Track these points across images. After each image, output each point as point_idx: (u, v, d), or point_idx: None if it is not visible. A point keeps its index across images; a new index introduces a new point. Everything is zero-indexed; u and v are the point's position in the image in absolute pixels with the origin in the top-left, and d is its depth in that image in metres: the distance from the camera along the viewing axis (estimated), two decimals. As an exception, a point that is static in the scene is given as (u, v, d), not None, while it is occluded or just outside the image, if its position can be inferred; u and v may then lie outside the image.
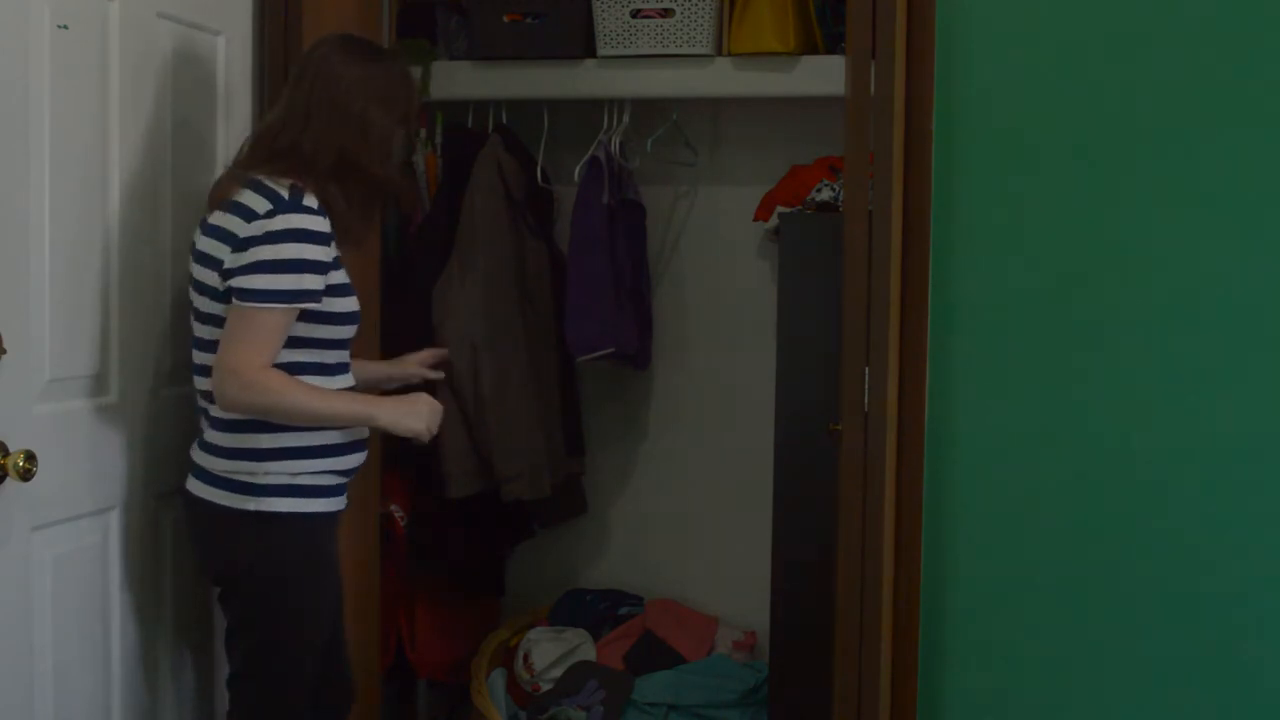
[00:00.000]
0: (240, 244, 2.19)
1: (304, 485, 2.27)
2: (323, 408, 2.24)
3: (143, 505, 2.41)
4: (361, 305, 2.36)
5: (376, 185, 2.31)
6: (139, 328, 2.37)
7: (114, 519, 2.34)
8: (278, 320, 2.17)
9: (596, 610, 3.49)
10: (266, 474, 2.24)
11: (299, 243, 2.17)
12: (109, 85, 2.27)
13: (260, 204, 2.19)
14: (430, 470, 3.15)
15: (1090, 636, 2.50)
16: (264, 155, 2.27)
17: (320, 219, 2.20)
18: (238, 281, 2.17)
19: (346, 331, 2.32)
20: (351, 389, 2.36)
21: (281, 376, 2.19)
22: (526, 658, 3.30)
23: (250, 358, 2.16)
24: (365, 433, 2.36)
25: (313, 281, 2.19)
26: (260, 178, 2.23)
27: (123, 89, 2.30)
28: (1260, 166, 2.35)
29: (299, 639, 2.36)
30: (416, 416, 2.32)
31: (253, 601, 2.32)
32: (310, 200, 2.21)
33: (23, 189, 2.07)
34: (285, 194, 2.20)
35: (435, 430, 2.37)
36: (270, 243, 2.16)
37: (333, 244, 2.24)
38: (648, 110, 3.32)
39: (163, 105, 2.42)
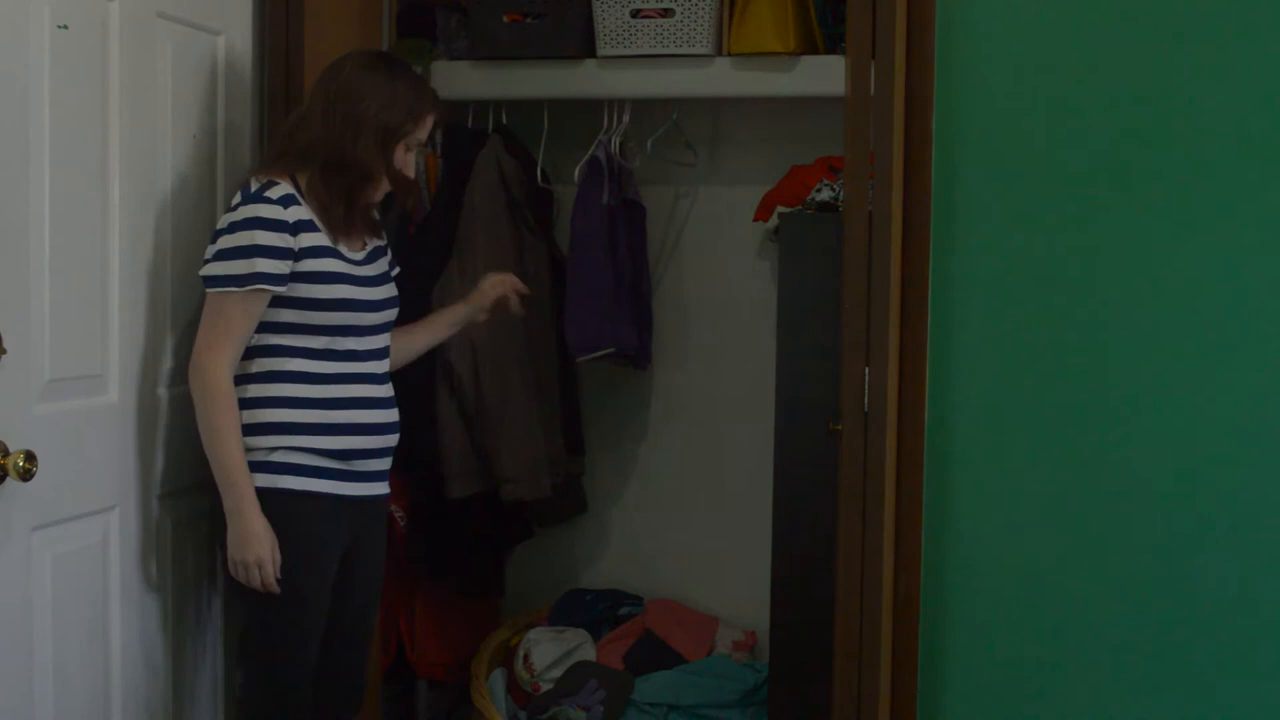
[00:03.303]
0: (213, 238, 2.37)
1: (278, 462, 2.36)
2: (218, 441, 2.31)
3: (143, 505, 2.41)
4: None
5: (362, 183, 2.41)
6: (139, 328, 2.38)
7: (114, 519, 2.34)
8: (236, 304, 2.31)
9: (596, 610, 3.49)
10: (252, 450, 2.35)
11: (252, 229, 2.31)
12: (109, 85, 2.27)
13: (235, 200, 2.37)
14: (430, 471, 3.15)
15: (1091, 636, 2.50)
16: (271, 155, 2.47)
17: (278, 208, 2.33)
18: (203, 270, 2.34)
19: (336, 318, 2.39)
20: (364, 375, 2.43)
21: (223, 387, 2.30)
22: (526, 658, 3.30)
23: (209, 341, 2.31)
24: (352, 415, 2.41)
25: (266, 265, 2.30)
26: (251, 177, 2.39)
27: (123, 89, 2.30)
28: (1261, 166, 2.35)
29: (281, 620, 2.39)
30: (242, 547, 2.31)
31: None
32: (275, 192, 2.34)
33: (23, 189, 2.07)
34: (253, 187, 2.35)
35: (248, 581, 2.32)
36: (230, 232, 2.33)
37: (304, 234, 2.35)
38: (648, 110, 3.32)
39: (163, 105, 2.42)
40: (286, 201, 2.34)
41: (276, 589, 2.33)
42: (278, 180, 2.36)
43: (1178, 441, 2.42)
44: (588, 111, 3.31)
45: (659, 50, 3.10)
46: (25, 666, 2.13)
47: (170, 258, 2.46)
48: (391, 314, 2.53)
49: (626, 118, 3.29)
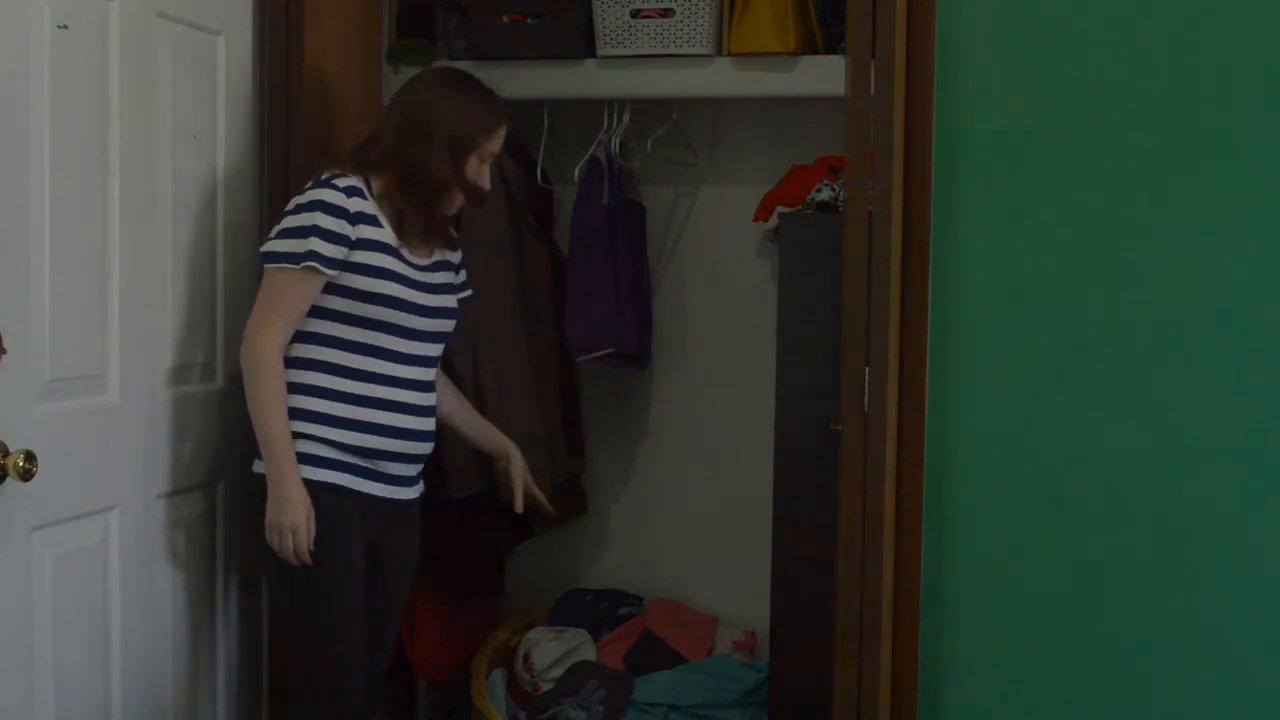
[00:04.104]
0: (279, 219, 2.43)
1: (298, 452, 2.38)
2: (263, 413, 2.35)
3: (143, 505, 2.41)
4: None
5: (438, 195, 2.47)
6: (139, 327, 2.38)
7: (114, 519, 2.34)
8: (289, 281, 2.36)
9: (596, 610, 3.49)
10: None
11: (314, 211, 2.37)
12: (109, 85, 2.27)
13: (307, 185, 2.44)
14: (430, 470, 3.15)
15: (1089, 636, 2.50)
16: (342, 159, 2.52)
17: (342, 195, 2.38)
18: (263, 247, 2.41)
19: (380, 313, 2.42)
20: (402, 379, 2.44)
21: (271, 361, 2.35)
22: (526, 658, 3.30)
23: (262, 317, 2.37)
24: (379, 416, 2.42)
25: (321, 246, 2.34)
26: (325, 169, 2.45)
27: (123, 89, 2.30)
28: (1263, 166, 2.35)
29: (316, 606, 2.40)
30: (278, 512, 2.34)
31: (271, 564, 2.42)
32: (343, 181, 2.40)
33: (23, 189, 2.07)
34: (324, 175, 2.41)
35: (281, 548, 2.35)
36: (295, 213, 2.39)
37: (363, 226, 2.39)
38: (648, 110, 3.32)
39: (163, 105, 2.42)
40: (351, 192, 2.39)
41: (308, 559, 2.36)
42: (349, 174, 2.42)
43: (1179, 439, 2.42)
44: (588, 111, 3.31)
45: (659, 50, 3.10)
46: (25, 666, 2.13)
47: (170, 257, 2.46)
48: (445, 324, 2.55)
49: (626, 118, 3.29)
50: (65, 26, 2.15)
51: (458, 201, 2.52)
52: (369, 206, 2.41)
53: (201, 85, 2.54)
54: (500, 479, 2.81)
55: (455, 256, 2.63)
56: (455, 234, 2.63)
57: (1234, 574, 2.40)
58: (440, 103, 2.48)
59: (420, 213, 2.46)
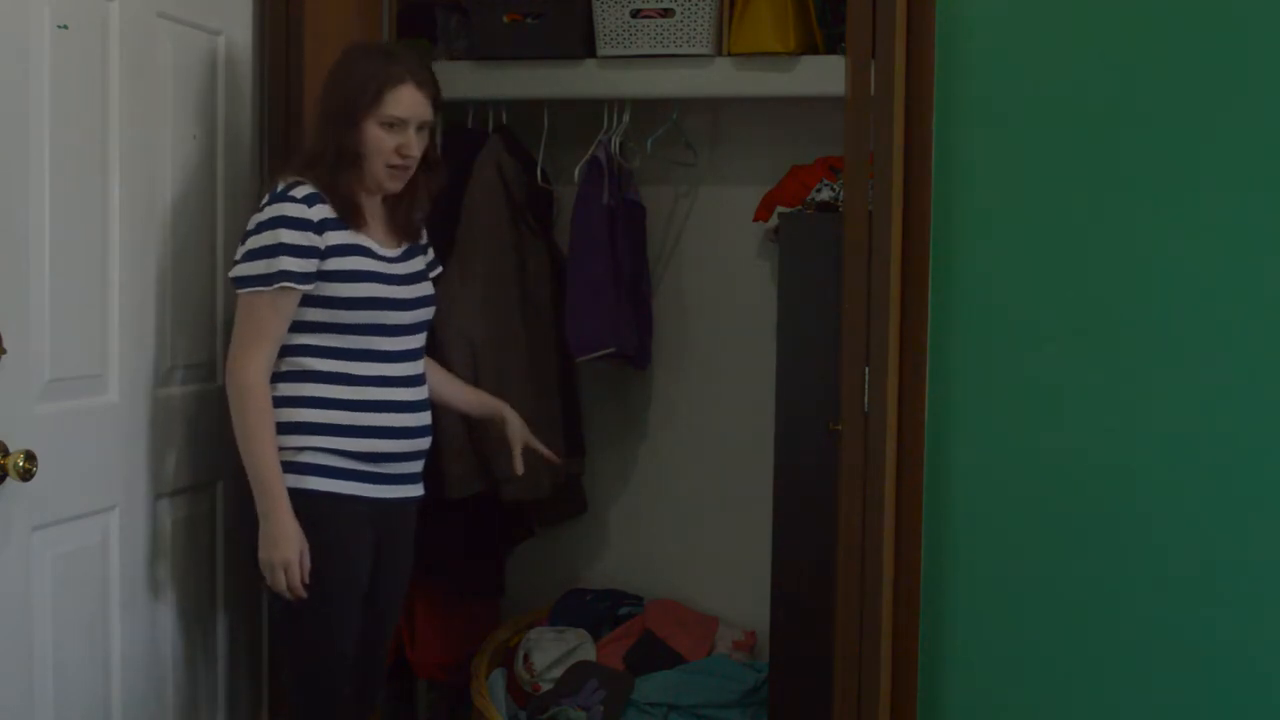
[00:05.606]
0: (242, 239, 2.36)
1: (304, 463, 2.35)
2: (251, 445, 2.30)
3: (143, 505, 2.42)
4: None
5: (338, 169, 2.37)
6: (139, 327, 2.38)
7: (114, 519, 2.34)
8: (265, 304, 2.31)
9: (596, 610, 3.49)
10: (280, 449, 2.34)
11: (277, 228, 2.31)
12: (109, 85, 2.27)
13: (264, 200, 2.38)
14: (430, 471, 3.15)
15: (1090, 636, 2.50)
16: (292, 160, 2.46)
17: (303, 206, 2.32)
18: (232, 272, 2.35)
19: (365, 317, 2.38)
20: (395, 378, 2.42)
21: (257, 388, 2.30)
22: (526, 658, 3.30)
23: (242, 343, 2.32)
24: (381, 418, 2.40)
25: (291, 264, 2.30)
26: (278, 179, 2.40)
27: (123, 89, 2.30)
28: (1265, 167, 2.35)
29: (312, 618, 2.39)
30: (270, 548, 2.30)
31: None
32: (300, 191, 2.34)
33: (23, 189, 2.07)
34: (279, 187, 2.35)
35: (274, 583, 2.32)
36: (257, 232, 2.33)
37: (330, 232, 2.34)
38: (648, 110, 3.32)
39: (163, 105, 2.42)
40: (311, 200, 2.33)
41: (303, 593, 2.32)
42: (302, 180, 2.36)
43: (1181, 439, 2.42)
44: (588, 111, 3.31)
45: (659, 50, 3.11)
46: (25, 666, 2.13)
47: (170, 257, 2.46)
48: (425, 313, 2.51)
49: (626, 118, 3.29)
50: (65, 26, 2.15)
51: (374, 177, 2.39)
52: (330, 211, 2.35)
53: (201, 85, 2.54)
54: (497, 442, 2.72)
55: (420, 239, 2.57)
56: (414, 217, 2.52)
57: (1235, 573, 2.40)
58: (337, 76, 2.40)
59: (331, 192, 2.35)
